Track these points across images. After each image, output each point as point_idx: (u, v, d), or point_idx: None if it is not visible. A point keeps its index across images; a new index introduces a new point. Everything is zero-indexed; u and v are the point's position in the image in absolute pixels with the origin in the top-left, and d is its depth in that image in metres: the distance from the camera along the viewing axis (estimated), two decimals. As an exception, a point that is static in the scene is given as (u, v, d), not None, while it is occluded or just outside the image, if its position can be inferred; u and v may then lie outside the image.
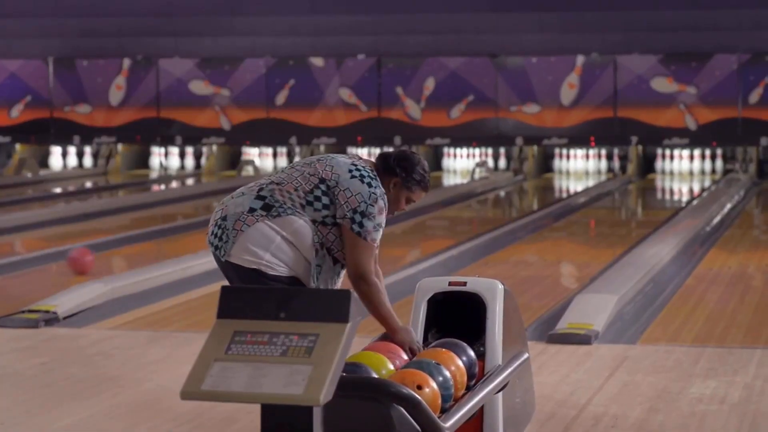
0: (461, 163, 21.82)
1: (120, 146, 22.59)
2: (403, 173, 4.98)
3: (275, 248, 4.80)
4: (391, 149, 21.56)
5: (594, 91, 20.52)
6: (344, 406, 4.21)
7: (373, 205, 4.82)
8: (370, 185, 4.84)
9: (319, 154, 5.05)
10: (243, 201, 4.86)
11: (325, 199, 4.83)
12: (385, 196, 4.91)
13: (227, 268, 4.89)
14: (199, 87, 21.84)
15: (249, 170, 21.79)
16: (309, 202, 4.84)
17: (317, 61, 21.34)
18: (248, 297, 3.99)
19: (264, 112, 21.64)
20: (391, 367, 4.61)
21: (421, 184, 5.02)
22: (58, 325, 8.29)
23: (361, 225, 4.80)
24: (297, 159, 5.05)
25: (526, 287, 9.86)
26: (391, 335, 4.94)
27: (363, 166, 4.91)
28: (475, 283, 5.30)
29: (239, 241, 4.81)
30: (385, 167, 4.98)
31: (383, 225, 4.90)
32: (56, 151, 23.05)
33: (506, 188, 19.77)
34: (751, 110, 20.11)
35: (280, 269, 4.80)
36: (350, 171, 4.86)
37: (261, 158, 22.34)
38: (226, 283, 4.96)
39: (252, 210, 4.82)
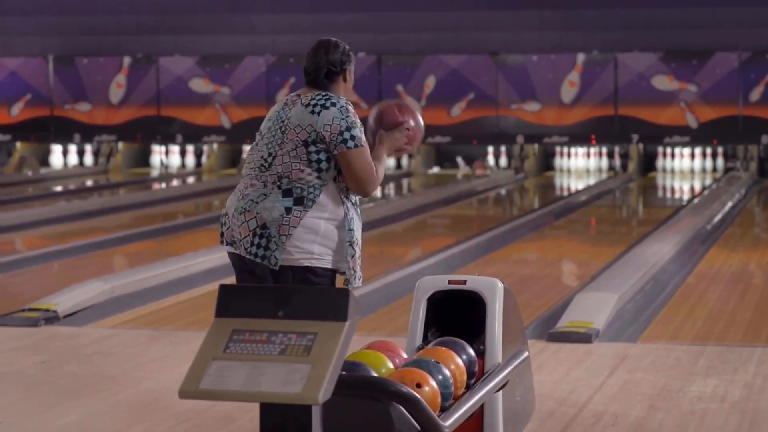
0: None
1: (120, 144, 22.58)
2: (342, 62, 5.02)
3: (322, 237, 4.87)
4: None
5: (595, 89, 20.51)
6: (343, 404, 4.20)
7: (348, 115, 4.90)
8: (333, 104, 4.90)
9: (267, 125, 5.03)
10: (273, 205, 4.86)
11: (322, 155, 4.89)
12: (344, 99, 4.98)
13: (279, 274, 4.87)
14: (200, 85, 21.84)
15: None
16: (318, 170, 4.88)
17: (318, 59, 21.31)
18: (247, 295, 3.98)
19: (264, 110, 21.62)
20: (391, 365, 4.60)
21: (351, 56, 5.07)
22: (59, 323, 8.28)
23: (353, 137, 4.88)
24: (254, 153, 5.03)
25: (527, 285, 9.85)
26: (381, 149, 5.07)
27: (311, 97, 4.94)
28: (474, 282, 5.29)
29: (289, 243, 4.84)
30: (328, 74, 5.01)
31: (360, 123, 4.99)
32: (57, 149, 23.04)
33: (507, 186, 19.76)
34: (752, 108, 20.10)
35: (327, 258, 4.87)
36: (309, 110, 4.90)
37: (261, 156, 22.31)
38: (225, 281, 4.96)
39: (288, 209, 4.84)
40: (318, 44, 5.04)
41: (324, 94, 4.95)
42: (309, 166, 4.86)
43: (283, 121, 4.94)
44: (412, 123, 5.13)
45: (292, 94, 5.05)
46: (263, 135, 5.00)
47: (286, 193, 4.86)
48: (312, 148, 4.87)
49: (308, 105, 4.91)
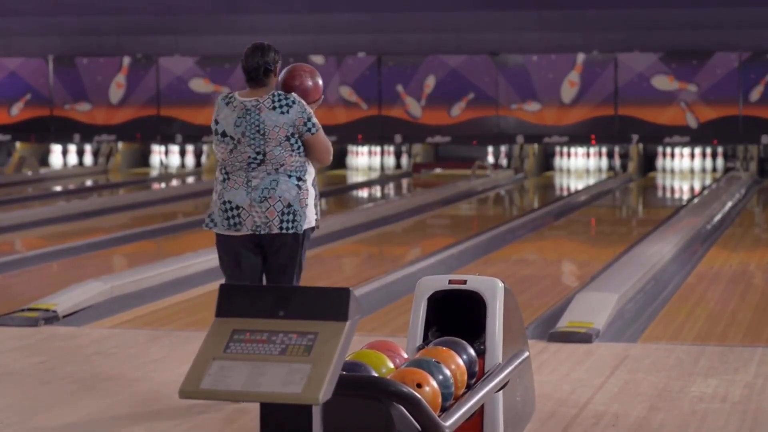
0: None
1: (120, 144, 22.58)
2: (276, 61, 6.02)
3: (316, 201, 6.06)
4: (391, 148, 21.72)
5: (595, 89, 20.50)
6: (344, 404, 4.19)
7: (305, 108, 5.98)
8: (293, 102, 5.95)
9: (239, 130, 6.06)
10: (288, 186, 5.94)
11: (299, 142, 5.98)
12: (294, 95, 5.97)
13: (294, 238, 5.97)
14: (200, 85, 21.83)
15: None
16: (299, 153, 5.98)
17: (317, 59, 21.33)
18: (247, 295, 3.98)
19: (264, 110, 21.61)
20: (391, 365, 4.60)
21: (279, 55, 6.06)
22: (58, 323, 8.27)
23: (314, 125, 5.99)
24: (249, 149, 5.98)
25: (527, 285, 9.85)
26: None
27: (271, 100, 5.92)
28: (475, 282, 5.28)
29: (306, 213, 5.98)
30: (266, 72, 5.97)
31: None
32: (56, 149, 23.03)
33: (507, 186, 19.75)
34: (752, 108, 20.10)
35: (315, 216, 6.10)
36: (278, 111, 5.92)
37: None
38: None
39: (299, 186, 5.96)
40: (254, 47, 6.00)
41: (278, 94, 5.95)
42: (294, 152, 5.95)
43: (257, 125, 5.93)
44: (319, 82, 6.17)
45: (240, 98, 6.01)
46: (239, 139, 5.98)
47: (290, 175, 5.94)
48: (293, 140, 5.95)
49: (275, 108, 5.92)
